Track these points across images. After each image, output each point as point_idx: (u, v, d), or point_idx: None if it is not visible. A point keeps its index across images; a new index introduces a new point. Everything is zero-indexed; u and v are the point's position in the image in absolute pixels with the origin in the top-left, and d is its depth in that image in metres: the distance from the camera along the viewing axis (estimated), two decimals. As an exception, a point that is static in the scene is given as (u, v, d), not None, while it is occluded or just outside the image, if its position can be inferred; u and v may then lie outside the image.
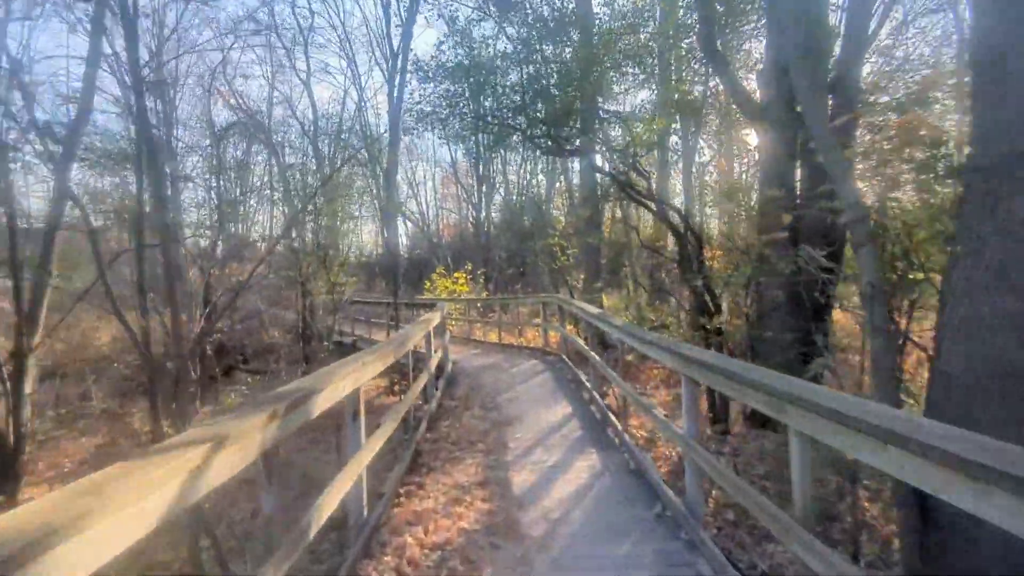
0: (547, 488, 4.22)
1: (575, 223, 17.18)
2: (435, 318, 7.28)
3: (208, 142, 14.87)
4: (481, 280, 20.02)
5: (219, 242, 11.71)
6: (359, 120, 23.71)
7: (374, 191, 23.23)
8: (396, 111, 22.03)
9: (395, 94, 22.78)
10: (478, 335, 14.49)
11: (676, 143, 15.28)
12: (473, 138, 15.10)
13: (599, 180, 16.66)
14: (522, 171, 30.83)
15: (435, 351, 7.45)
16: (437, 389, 7.27)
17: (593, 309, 6.73)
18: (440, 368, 9.00)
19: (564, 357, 9.41)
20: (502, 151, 27.58)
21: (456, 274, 18.01)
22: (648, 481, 4.23)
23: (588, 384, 7.23)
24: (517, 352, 11.29)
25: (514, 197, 30.85)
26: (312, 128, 25.46)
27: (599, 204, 15.53)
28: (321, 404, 2.67)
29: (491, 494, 4.15)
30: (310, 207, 15.28)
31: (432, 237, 35.33)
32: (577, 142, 9.06)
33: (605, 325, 5.74)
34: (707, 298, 7.73)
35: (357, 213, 32.14)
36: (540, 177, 30.87)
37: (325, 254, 13.65)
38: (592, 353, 6.57)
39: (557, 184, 30.05)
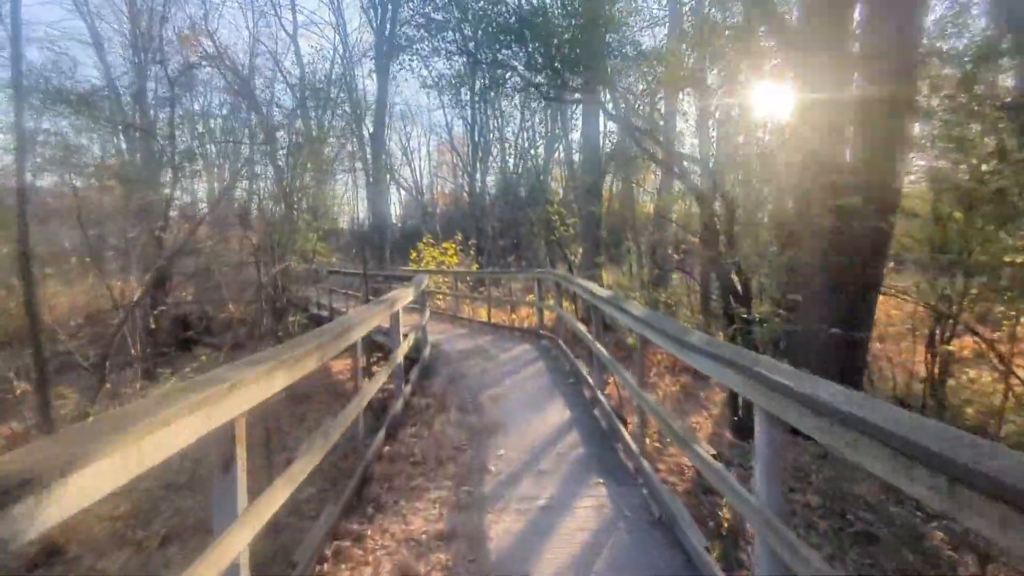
0: (538, 548, 2.96)
1: (574, 191, 15.75)
2: (405, 296, 5.95)
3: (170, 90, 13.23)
4: (472, 252, 18.63)
5: (172, 201, 10.26)
6: (345, 71, 21.84)
7: (359, 152, 21.54)
8: (383, 58, 20.27)
9: (384, 46, 20.98)
10: (466, 312, 13.18)
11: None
12: (465, 87, 13.51)
13: (603, 143, 15.17)
14: (519, 140, 29.11)
15: (406, 335, 6.14)
16: (407, 383, 5.98)
17: (602, 291, 5.40)
18: (416, 354, 7.72)
19: (561, 343, 8.13)
20: (498, 115, 25.89)
21: (445, 244, 16.61)
22: (683, 544, 2.96)
23: (590, 380, 5.96)
24: (508, 334, 10.00)
25: (511, 164, 29.23)
26: (299, 80, 23.48)
27: (602, 169, 14.09)
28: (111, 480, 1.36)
29: (456, 557, 2.88)
30: (286, 168, 13.77)
31: (426, 207, 33.77)
32: (582, 83, 7.57)
33: (621, 314, 4.41)
34: (736, 281, 6.43)
35: (345, 180, 30.48)
36: (540, 149, 29.17)
37: (292, 218, 12.20)
38: (599, 347, 5.27)
39: (556, 154, 28.43)
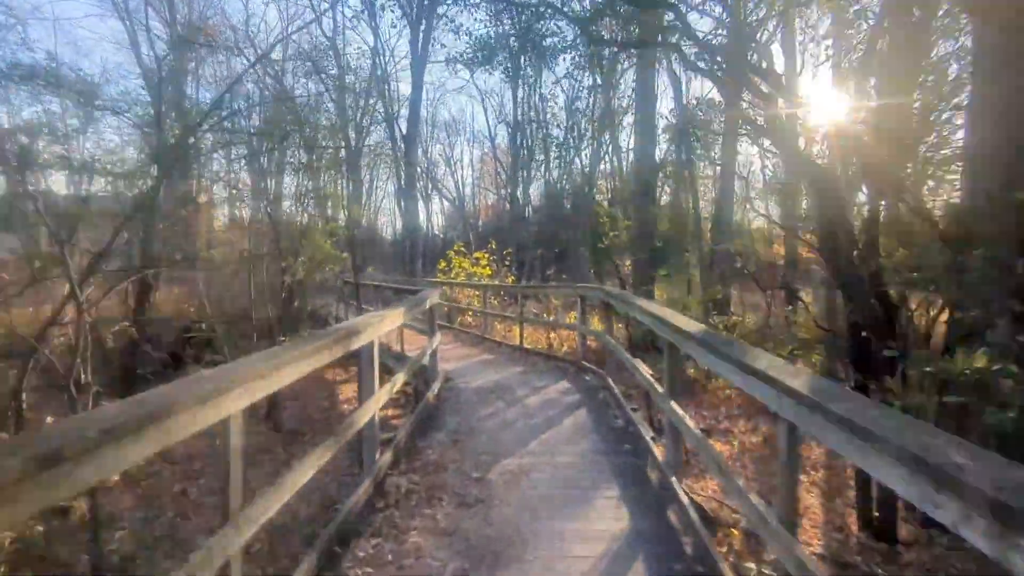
0: None
1: (630, 192, 13.69)
2: (388, 320, 4.08)
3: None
4: (508, 263, 16.78)
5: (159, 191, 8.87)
6: (378, 70, 20.48)
7: (391, 155, 20.14)
8: (417, 56, 18.85)
9: (418, 43, 19.59)
10: (497, 332, 11.31)
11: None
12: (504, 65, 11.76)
13: (660, 137, 13.05)
14: (565, 146, 27.22)
15: (388, 380, 4.30)
16: (386, 450, 4.10)
17: (687, 322, 3.37)
18: (423, 387, 5.91)
19: (610, 383, 6.13)
20: (542, 115, 24.08)
21: (477, 254, 14.82)
22: None
23: (657, 452, 3.95)
24: (543, 364, 8.03)
25: (555, 174, 27.39)
26: (339, 79, 22.23)
27: (657, 164, 11.97)
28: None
29: None
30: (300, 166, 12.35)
31: (468, 218, 32.45)
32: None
33: (733, 368, 2.43)
34: (882, 310, 4.29)
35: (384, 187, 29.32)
36: (585, 154, 27.17)
37: (301, 223, 10.68)
38: (678, 412, 3.27)
39: (602, 164, 26.41)
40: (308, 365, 2.69)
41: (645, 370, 4.42)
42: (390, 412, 7.45)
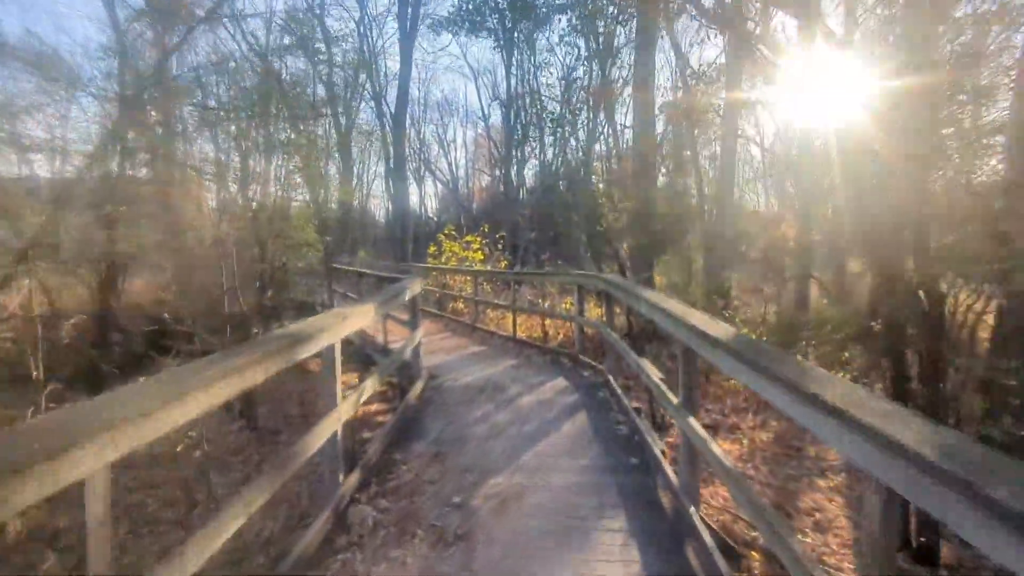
0: None
1: (622, 174, 13.00)
2: (354, 318, 3.46)
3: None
4: (502, 247, 16.12)
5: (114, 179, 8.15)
6: (363, 44, 19.47)
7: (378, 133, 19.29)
8: (406, 30, 17.95)
9: (407, 16, 18.65)
10: (490, 321, 10.72)
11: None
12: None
13: (660, 111, 12.30)
14: (560, 129, 26.31)
15: (354, 388, 3.69)
16: (350, 473, 3.52)
17: (709, 323, 2.75)
18: (402, 389, 5.35)
19: (611, 380, 5.56)
20: (537, 92, 23.22)
21: (468, 237, 14.15)
22: None
23: (669, 472, 3.39)
24: (538, 357, 7.45)
25: (550, 154, 26.57)
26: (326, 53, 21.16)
27: (657, 139, 11.24)
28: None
29: None
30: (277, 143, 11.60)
31: (463, 201, 31.71)
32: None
33: (782, 389, 1.83)
34: (928, 303, 3.71)
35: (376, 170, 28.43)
36: (581, 136, 26.23)
37: (283, 204, 9.96)
38: (700, 433, 2.70)
39: (597, 144, 25.57)
40: (230, 387, 2.08)
41: (653, 372, 3.83)
42: (374, 408, 6.88)
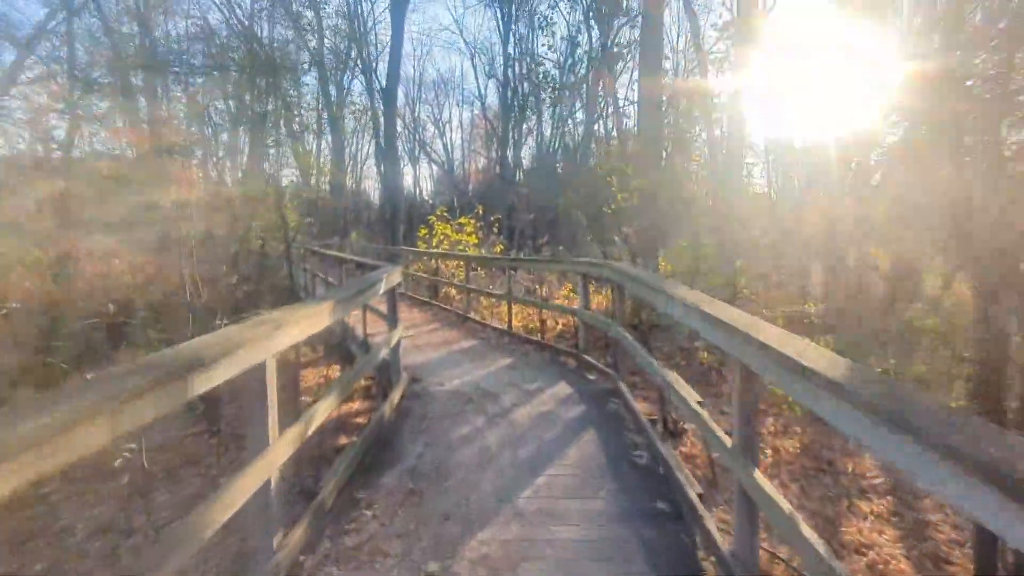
0: None
1: (627, 151, 12.09)
2: (291, 327, 2.59)
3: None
4: (497, 230, 15.21)
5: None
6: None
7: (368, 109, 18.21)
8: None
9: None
10: (483, 310, 9.88)
11: None
12: None
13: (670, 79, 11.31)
14: (557, 108, 25.19)
15: (315, 410, 2.85)
16: (291, 531, 2.69)
17: (809, 348, 1.92)
18: (382, 387, 4.53)
19: (622, 389, 4.74)
20: (535, 67, 22.10)
21: (461, 219, 13.24)
22: None
23: (708, 526, 2.58)
24: (536, 356, 6.61)
25: (547, 133, 25.53)
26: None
27: (663, 116, 10.33)
28: None
29: None
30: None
31: (458, 183, 30.77)
32: None
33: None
34: None
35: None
36: (581, 114, 25.13)
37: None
38: (760, 480, 1.87)
39: (596, 126, 24.51)
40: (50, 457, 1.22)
41: (690, 395, 2.99)
42: (356, 406, 6.05)
